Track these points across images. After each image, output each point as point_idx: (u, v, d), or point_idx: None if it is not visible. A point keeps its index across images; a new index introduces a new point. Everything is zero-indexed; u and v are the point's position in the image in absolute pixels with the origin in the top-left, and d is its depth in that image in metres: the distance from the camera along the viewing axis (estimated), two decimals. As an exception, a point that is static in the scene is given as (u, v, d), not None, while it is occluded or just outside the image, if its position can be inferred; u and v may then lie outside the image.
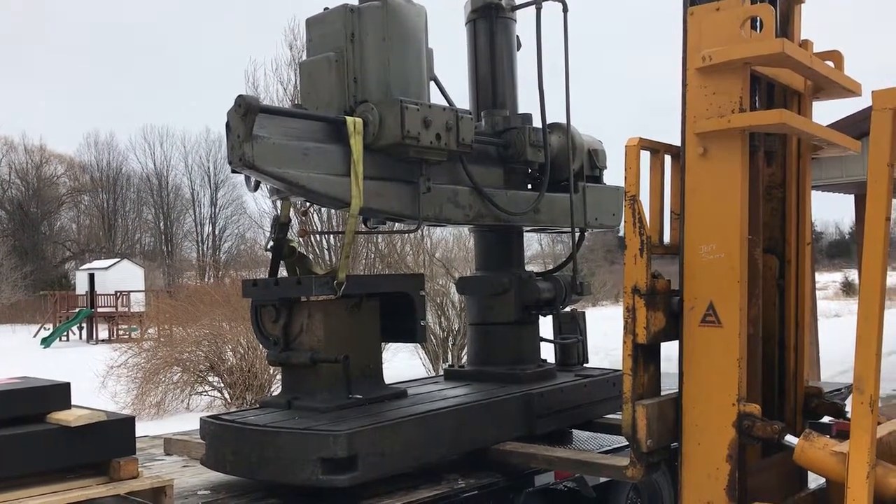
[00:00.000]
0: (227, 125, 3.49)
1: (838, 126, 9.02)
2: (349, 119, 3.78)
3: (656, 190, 3.52)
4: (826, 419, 4.17)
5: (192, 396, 13.42)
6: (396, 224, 4.54)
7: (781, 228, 3.79)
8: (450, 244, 18.11)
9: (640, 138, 3.39)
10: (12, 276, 43.88)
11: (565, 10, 4.58)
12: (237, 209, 55.99)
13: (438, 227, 13.83)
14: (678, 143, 3.40)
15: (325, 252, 17.33)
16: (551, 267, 5.32)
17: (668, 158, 3.58)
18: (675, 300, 3.36)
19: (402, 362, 14.12)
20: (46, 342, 31.35)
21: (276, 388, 12.85)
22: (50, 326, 34.94)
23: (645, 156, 3.46)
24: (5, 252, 46.09)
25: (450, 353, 16.24)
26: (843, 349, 3.02)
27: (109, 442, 3.44)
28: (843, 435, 3.33)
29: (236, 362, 13.02)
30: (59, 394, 3.57)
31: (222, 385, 13.21)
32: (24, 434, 3.30)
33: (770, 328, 3.71)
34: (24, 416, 3.43)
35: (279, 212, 4.23)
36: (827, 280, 40.76)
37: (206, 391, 13.48)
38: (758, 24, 3.25)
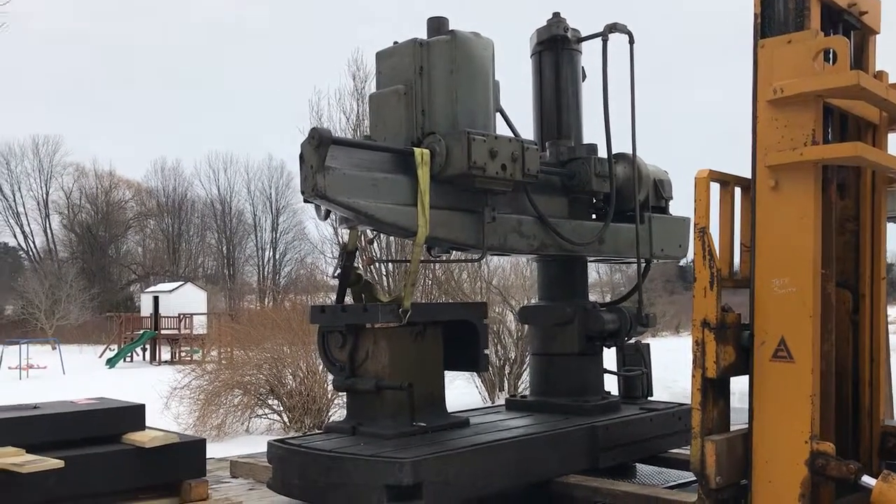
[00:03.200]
0: (301, 156, 3.58)
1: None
2: (417, 150, 3.85)
3: (726, 222, 3.48)
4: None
5: (251, 419, 13.62)
6: (459, 252, 4.57)
7: (855, 262, 3.70)
8: (507, 272, 18.13)
9: (710, 170, 3.37)
10: (80, 297, 45.36)
11: (631, 41, 4.59)
12: (298, 234, 57.11)
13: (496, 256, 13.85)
14: (746, 174, 3.37)
15: (384, 278, 17.51)
16: (609, 296, 5.28)
17: (737, 190, 3.54)
18: (745, 334, 3.31)
19: (458, 390, 14.10)
20: (111, 363, 32.24)
21: (335, 413, 12.96)
22: (115, 347, 35.91)
23: (714, 188, 3.43)
24: (74, 274, 47.68)
25: (506, 381, 16.17)
26: (921, 387, 2.93)
27: (181, 463, 3.54)
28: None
29: (296, 386, 13.18)
30: (134, 415, 3.69)
31: (282, 408, 13.38)
32: (101, 454, 3.42)
33: (844, 364, 3.62)
34: (101, 436, 3.55)
35: (346, 240, 4.31)
36: (899, 313, 39.21)
37: (265, 414, 13.66)
38: (830, 55, 3.22)
